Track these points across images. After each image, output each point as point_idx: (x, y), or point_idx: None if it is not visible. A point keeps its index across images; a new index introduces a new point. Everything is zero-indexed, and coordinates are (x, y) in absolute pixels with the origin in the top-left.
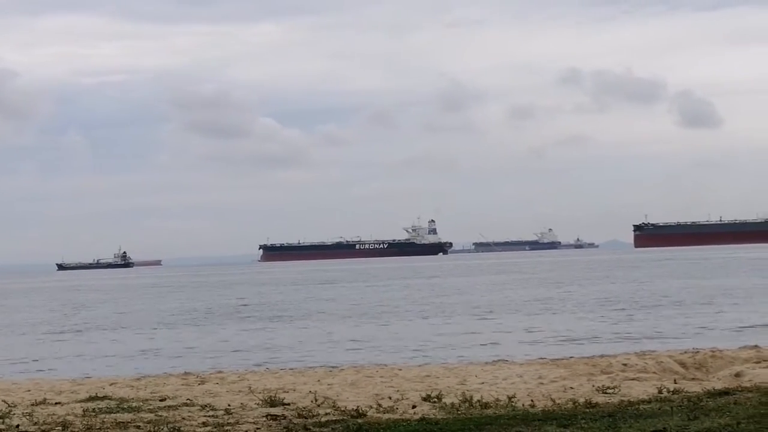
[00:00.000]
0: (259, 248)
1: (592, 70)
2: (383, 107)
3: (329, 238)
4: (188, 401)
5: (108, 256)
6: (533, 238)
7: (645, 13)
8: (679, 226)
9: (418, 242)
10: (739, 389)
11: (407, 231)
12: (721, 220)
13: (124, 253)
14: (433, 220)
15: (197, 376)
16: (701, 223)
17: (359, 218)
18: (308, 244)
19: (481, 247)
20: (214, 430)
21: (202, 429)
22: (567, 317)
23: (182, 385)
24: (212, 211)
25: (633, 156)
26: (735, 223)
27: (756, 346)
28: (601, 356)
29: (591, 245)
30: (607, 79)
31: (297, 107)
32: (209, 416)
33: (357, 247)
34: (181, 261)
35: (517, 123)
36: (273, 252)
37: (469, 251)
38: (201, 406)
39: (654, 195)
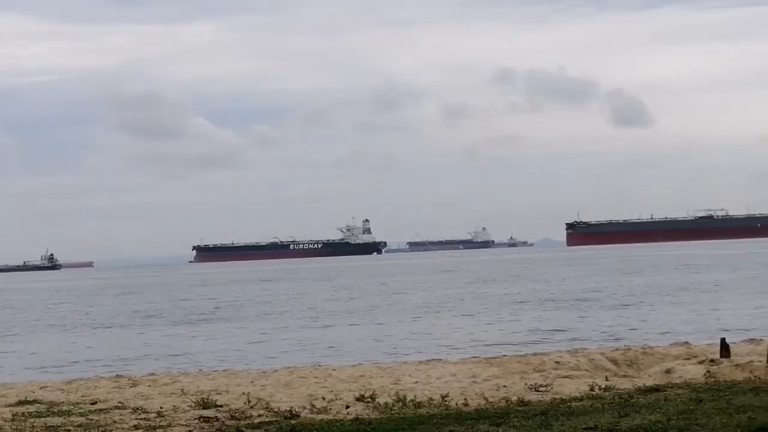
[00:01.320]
0: (193, 249)
1: (525, 69)
2: (317, 107)
3: (264, 238)
4: (120, 404)
5: (36, 259)
6: (467, 237)
7: (575, 14)
8: (610, 224)
9: (352, 242)
10: (670, 386)
11: (342, 231)
12: (652, 218)
13: (51, 255)
14: (367, 220)
15: (129, 379)
16: (633, 221)
17: (294, 218)
18: (242, 244)
19: (416, 246)
20: None
21: None
22: (500, 315)
23: (114, 388)
24: (145, 212)
25: (566, 155)
26: (666, 221)
27: (686, 343)
28: (534, 354)
29: (524, 244)
30: (540, 79)
31: (231, 107)
32: (141, 419)
33: (291, 247)
34: (114, 262)
35: (452, 122)
36: (207, 253)
37: (403, 251)
38: (132, 409)
39: (587, 193)
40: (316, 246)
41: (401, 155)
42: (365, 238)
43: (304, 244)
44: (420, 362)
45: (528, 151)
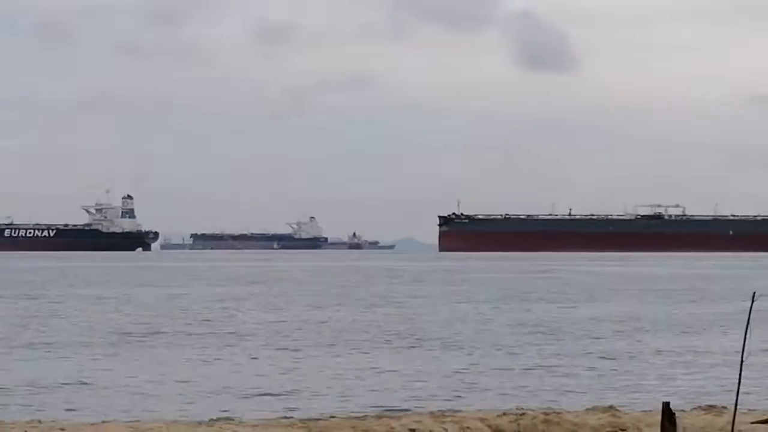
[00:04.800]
0: None
1: None
2: (55, 15)
3: None
4: None
5: None
6: (287, 230)
7: None
8: (507, 220)
9: (104, 230)
10: None
11: (88, 212)
12: (570, 215)
13: None
14: (130, 197)
15: None
16: (541, 217)
17: (15, 187)
18: None
19: (205, 240)
20: None
21: None
22: (327, 353)
23: None
24: None
25: (445, 110)
26: (591, 220)
27: (611, 407)
28: (379, 416)
29: (374, 245)
30: None
31: None
32: None
33: (6, 233)
34: None
35: (267, 50)
36: None
37: (183, 247)
38: None
39: (473, 172)
40: (46, 233)
41: (184, 97)
42: (125, 225)
43: (27, 229)
44: (200, 423)
45: (385, 102)
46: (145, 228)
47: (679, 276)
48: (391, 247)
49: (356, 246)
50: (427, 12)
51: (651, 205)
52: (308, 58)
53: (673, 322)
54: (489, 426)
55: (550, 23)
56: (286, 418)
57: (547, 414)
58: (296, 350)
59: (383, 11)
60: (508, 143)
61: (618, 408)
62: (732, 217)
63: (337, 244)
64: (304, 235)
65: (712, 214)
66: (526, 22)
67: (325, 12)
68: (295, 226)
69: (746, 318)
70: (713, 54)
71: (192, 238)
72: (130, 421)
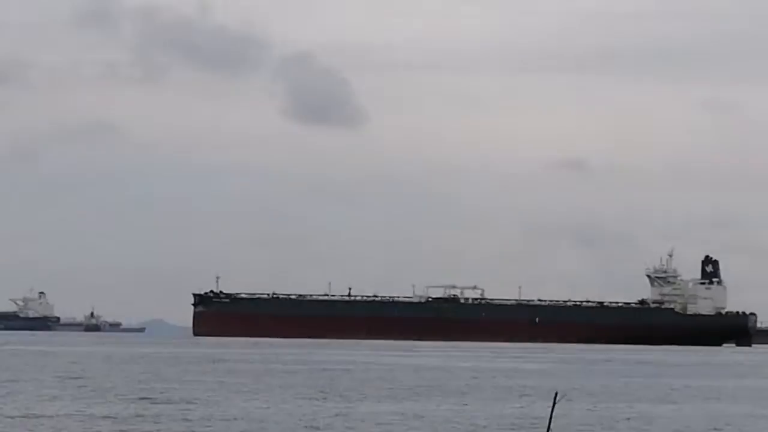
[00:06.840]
0: None
1: (137, 5)
2: None
3: None
4: None
5: None
6: (11, 307)
7: None
8: (275, 300)
9: None
10: None
11: None
12: (351, 296)
13: None
14: None
15: None
16: (316, 298)
17: None
18: None
19: None
20: None
21: None
22: None
23: None
24: None
25: (203, 167)
26: (372, 301)
27: None
28: None
29: (117, 326)
30: (164, 24)
31: None
32: None
33: None
34: None
35: None
36: None
37: None
38: None
39: (236, 243)
40: None
41: None
42: None
43: None
44: None
45: (131, 155)
46: None
47: (475, 369)
48: (142, 329)
49: (94, 328)
50: (185, 52)
51: (444, 286)
52: (40, 101)
53: (453, 427)
54: None
55: (331, 69)
56: None
57: None
58: None
59: (132, 49)
60: (276, 208)
61: None
62: (538, 302)
63: (72, 326)
64: (31, 314)
65: (515, 297)
66: (303, 66)
67: (62, 48)
68: (20, 302)
69: (547, 422)
70: (520, 112)
71: None
72: None
